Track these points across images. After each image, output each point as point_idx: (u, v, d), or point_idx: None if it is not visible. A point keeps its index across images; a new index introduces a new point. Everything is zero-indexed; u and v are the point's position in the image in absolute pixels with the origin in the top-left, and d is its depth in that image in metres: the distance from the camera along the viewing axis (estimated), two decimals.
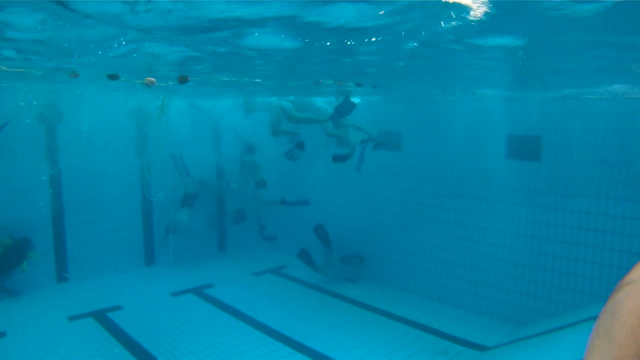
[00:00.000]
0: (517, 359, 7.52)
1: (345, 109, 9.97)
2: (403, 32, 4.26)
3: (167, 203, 12.50)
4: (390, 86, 9.61)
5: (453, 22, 3.83)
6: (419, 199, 11.05)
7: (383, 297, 11.03)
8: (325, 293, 11.40)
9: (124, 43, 4.80)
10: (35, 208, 11.26)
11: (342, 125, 10.58)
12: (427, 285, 10.98)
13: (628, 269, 1.25)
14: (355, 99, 11.89)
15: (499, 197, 9.73)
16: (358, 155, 11.04)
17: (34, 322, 9.59)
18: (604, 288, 8.39)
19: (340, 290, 11.45)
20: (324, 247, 11.80)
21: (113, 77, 7.01)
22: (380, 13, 3.58)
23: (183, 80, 7.78)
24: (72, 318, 9.82)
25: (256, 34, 4.43)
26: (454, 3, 3.27)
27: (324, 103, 11.74)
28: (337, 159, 10.61)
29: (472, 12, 3.48)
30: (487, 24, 3.80)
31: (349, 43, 4.83)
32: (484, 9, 3.36)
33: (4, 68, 6.60)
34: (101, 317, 9.91)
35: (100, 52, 5.30)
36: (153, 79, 7.38)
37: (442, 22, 3.86)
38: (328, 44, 4.90)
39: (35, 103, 10.79)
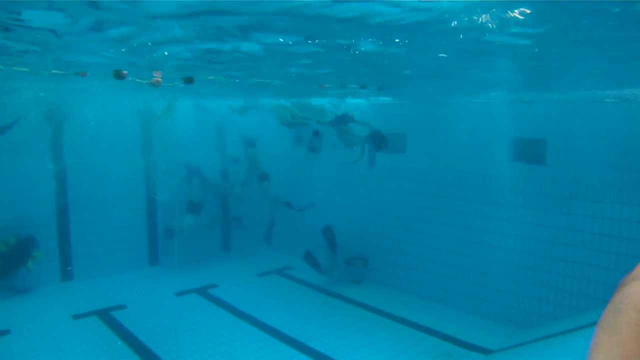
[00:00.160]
0: None
1: (344, 118, 10.33)
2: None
3: (172, 204, 12.56)
4: (398, 88, 9.60)
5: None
6: (424, 201, 11.03)
7: (387, 299, 11.02)
8: (329, 294, 11.39)
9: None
10: (40, 206, 11.32)
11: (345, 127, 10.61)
12: (430, 288, 10.96)
13: None
14: (361, 101, 11.92)
15: (504, 200, 9.71)
16: (368, 152, 10.90)
17: (38, 320, 9.61)
18: (609, 292, 8.31)
19: (344, 292, 11.44)
20: (329, 250, 11.79)
21: (119, 76, 7.02)
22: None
23: (189, 80, 7.81)
24: (76, 316, 9.84)
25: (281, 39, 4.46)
26: None
27: (326, 103, 11.76)
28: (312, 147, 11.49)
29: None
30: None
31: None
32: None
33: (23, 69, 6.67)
34: (105, 316, 9.93)
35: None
36: (160, 79, 7.40)
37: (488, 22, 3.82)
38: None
39: (42, 102, 10.84)
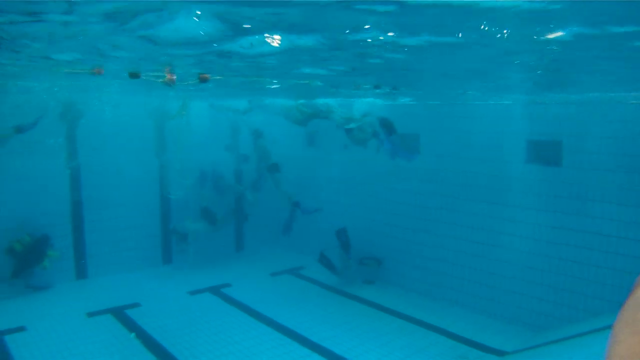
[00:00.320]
0: None
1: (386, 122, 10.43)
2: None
3: (185, 204, 12.62)
4: (414, 88, 9.54)
5: None
6: (437, 202, 10.99)
7: (400, 300, 10.98)
8: (342, 295, 11.38)
9: None
10: (54, 205, 11.42)
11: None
12: (444, 289, 10.91)
13: None
14: (375, 101, 11.89)
15: (518, 202, 9.64)
16: (385, 143, 10.70)
17: (53, 317, 9.69)
18: (624, 295, 8.21)
19: (357, 292, 11.43)
20: (343, 251, 11.78)
21: (134, 75, 7.05)
22: None
23: (204, 79, 7.82)
24: (90, 314, 9.91)
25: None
26: None
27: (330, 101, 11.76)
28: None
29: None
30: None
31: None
32: None
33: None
34: (119, 314, 9.99)
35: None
36: (173, 77, 7.43)
37: None
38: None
39: (58, 100, 10.92)
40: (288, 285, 12.16)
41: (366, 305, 10.74)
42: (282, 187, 12.75)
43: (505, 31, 4.06)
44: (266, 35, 4.49)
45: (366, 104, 11.62)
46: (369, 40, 4.54)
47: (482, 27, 3.90)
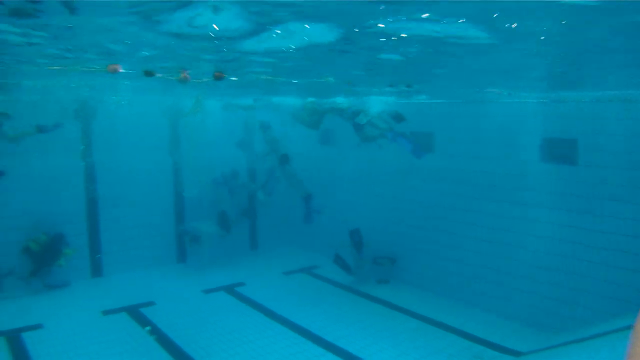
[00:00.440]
0: None
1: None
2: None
3: (200, 202, 12.67)
4: (428, 85, 9.47)
5: None
6: (451, 201, 10.92)
7: (414, 299, 10.94)
8: (356, 294, 11.37)
9: None
10: (69, 203, 11.50)
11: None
12: (459, 289, 10.84)
13: None
14: (388, 99, 11.85)
15: (534, 201, 9.56)
16: (399, 137, 10.58)
17: (69, 315, 9.77)
18: None
19: (371, 292, 11.40)
20: (356, 251, 11.76)
21: (149, 73, 7.07)
22: None
23: (219, 77, 7.81)
24: (105, 312, 9.98)
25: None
26: None
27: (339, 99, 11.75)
28: None
29: None
30: None
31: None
32: None
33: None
34: (134, 312, 10.05)
35: None
36: (188, 75, 7.43)
37: None
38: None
39: (74, 98, 10.99)
40: (302, 284, 12.16)
41: (380, 305, 10.71)
42: (295, 179, 12.72)
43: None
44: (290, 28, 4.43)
45: (380, 102, 11.58)
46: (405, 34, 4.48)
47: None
